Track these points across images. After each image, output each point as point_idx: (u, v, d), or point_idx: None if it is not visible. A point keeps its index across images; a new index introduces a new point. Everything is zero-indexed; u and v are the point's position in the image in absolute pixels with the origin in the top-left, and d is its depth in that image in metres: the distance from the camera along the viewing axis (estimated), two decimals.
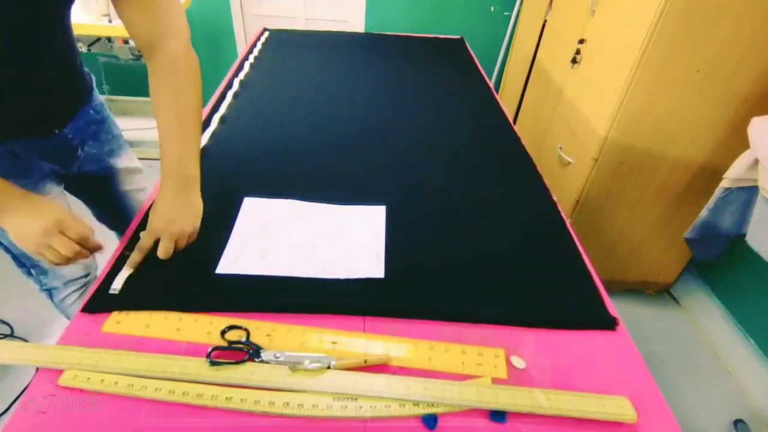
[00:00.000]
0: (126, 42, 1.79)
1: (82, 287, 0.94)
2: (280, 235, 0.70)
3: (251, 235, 0.70)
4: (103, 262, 0.66)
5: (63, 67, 0.73)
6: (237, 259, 0.65)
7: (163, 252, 0.61)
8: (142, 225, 0.69)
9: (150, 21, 0.67)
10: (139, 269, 0.62)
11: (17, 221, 0.59)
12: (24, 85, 0.67)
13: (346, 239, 0.70)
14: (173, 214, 0.63)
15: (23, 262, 0.87)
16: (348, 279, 0.63)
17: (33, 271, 0.89)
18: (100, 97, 0.86)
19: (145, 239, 0.63)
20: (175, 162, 0.66)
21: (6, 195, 0.59)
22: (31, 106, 0.68)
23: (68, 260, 0.59)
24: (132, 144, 1.01)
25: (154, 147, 2.15)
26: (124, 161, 0.93)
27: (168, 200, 0.64)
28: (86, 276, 0.95)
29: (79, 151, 0.83)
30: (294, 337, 0.55)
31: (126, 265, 0.62)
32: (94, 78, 0.88)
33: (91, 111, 0.83)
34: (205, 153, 0.87)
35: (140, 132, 2.13)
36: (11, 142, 0.71)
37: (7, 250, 0.84)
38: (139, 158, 1.01)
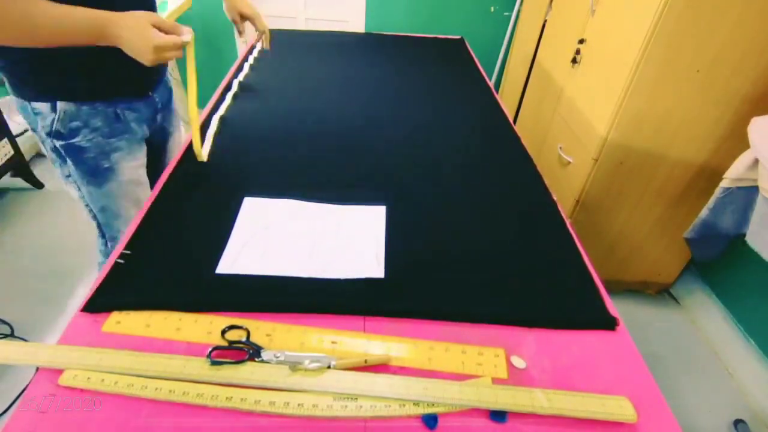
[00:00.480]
0: None
1: None
2: (280, 235, 0.70)
3: (251, 235, 0.70)
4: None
5: None
6: (237, 259, 0.65)
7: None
8: (142, 226, 0.69)
9: None
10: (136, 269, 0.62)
11: (124, 46, 0.66)
12: None
13: (346, 239, 0.70)
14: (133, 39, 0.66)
15: (104, 233, 0.96)
16: (348, 279, 0.63)
17: (110, 244, 0.98)
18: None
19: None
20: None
21: (103, 17, 0.65)
22: (136, 63, 0.72)
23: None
24: None
25: None
26: (176, 137, 1.03)
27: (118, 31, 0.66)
28: None
29: (159, 116, 0.94)
30: (294, 337, 0.55)
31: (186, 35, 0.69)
32: None
33: (168, 77, 0.94)
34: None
35: None
36: (115, 101, 0.82)
37: (95, 217, 0.94)
38: None
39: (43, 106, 0.77)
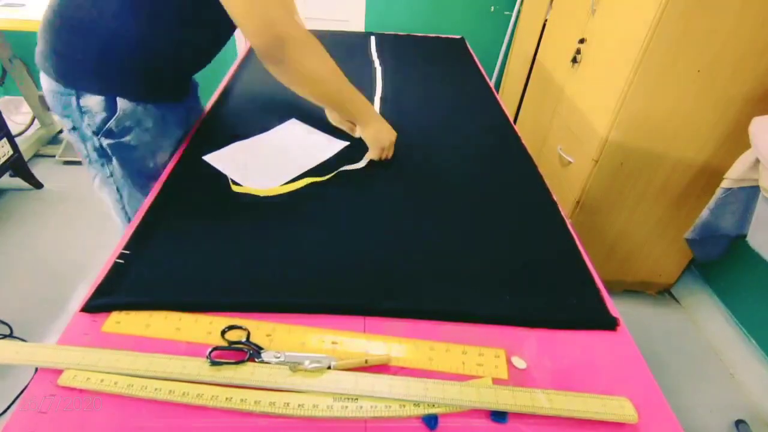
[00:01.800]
0: None
1: None
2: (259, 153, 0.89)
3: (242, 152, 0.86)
4: (103, 262, 0.66)
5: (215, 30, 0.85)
6: (223, 158, 0.83)
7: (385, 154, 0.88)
8: (142, 226, 0.69)
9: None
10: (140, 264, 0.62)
11: (380, 128, 0.89)
12: (191, 44, 0.81)
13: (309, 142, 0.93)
14: (381, 133, 0.88)
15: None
16: (347, 276, 0.63)
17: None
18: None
19: (374, 153, 0.88)
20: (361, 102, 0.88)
21: (368, 108, 0.89)
22: (187, 69, 0.80)
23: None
24: None
25: None
26: None
27: (374, 124, 0.88)
28: None
29: (191, 117, 0.96)
30: (294, 338, 0.55)
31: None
32: None
33: (196, 80, 0.96)
34: (205, 152, 0.87)
35: None
36: (162, 103, 0.84)
37: (129, 220, 0.93)
38: None
39: (94, 104, 0.77)
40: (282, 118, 1.02)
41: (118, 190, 0.89)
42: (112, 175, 0.87)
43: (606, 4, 1.33)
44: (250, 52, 1.39)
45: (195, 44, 0.82)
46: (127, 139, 0.82)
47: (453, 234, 0.73)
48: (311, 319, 0.58)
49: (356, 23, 2.25)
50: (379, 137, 0.87)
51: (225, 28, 0.82)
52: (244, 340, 0.53)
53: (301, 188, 0.80)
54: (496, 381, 0.52)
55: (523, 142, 1.01)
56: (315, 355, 0.51)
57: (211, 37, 0.84)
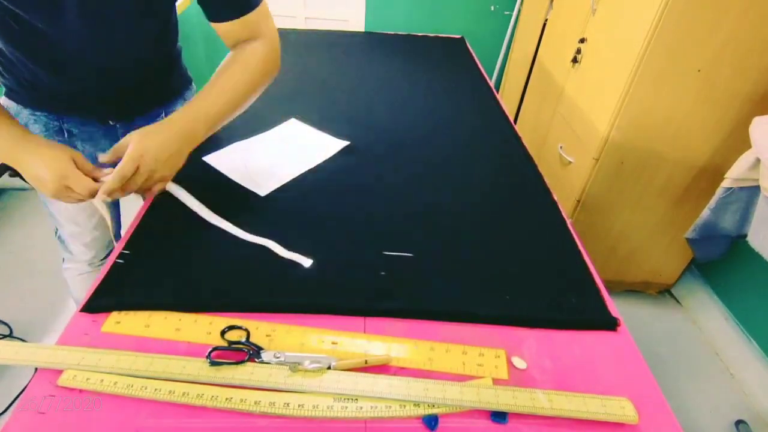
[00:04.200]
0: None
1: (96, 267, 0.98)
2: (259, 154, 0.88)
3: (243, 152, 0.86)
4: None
5: (160, 60, 0.78)
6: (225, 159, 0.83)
7: (131, 185, 0.60)
8: (141, 226, 0.69)
9: (244, 31, 0.73)
10: (134, 263, 0.62)
11: (30, 167, 0.59)
12: (117, 68, 0.72)
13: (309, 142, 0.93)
14: (163, 155, 0.62)
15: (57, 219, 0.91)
16: (347, 276, 0.63)
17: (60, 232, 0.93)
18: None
19: (127, 165, 0.59)
20: (194, 113, 0.67)
21: (18, 141, 0.59)
22: (91, 90, 0.70)
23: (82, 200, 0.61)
24: None
25: None
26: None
27: (167, 140, 0.63)
28: (103, 259, 0.97)
29: None
30: (294, 338, 0.55)
31: (100, 192, 0.59)
32: (193, 81, 0.92)
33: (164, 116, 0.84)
34: (205, 153, 0.87)
35: None
36: (66, 117, 0.76)
37: (45, 204, 0.88)
38: None
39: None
40: (282, 118, 1.02)
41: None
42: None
43: (606, 3, 1.33)
44: None
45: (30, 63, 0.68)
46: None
47: (453, 234, 0.73)
48: (311, 319, 0.57)
49: (356, 23, 2.24)
50: (35, 173, 0.60)
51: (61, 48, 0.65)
52: (243, 340, 0.53)
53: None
54: (497, 381, 0.51)
55: (524, 141, 1.01)
56: (315, 356, 0.51)
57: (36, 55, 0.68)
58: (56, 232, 0.95)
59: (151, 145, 0.61)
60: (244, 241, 0.68)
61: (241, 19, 0.70)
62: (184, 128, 0.65)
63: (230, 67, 0.72)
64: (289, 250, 0.66)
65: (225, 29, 0.72)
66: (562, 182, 1.54)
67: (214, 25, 0.72)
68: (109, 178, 0.59)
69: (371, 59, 1.42)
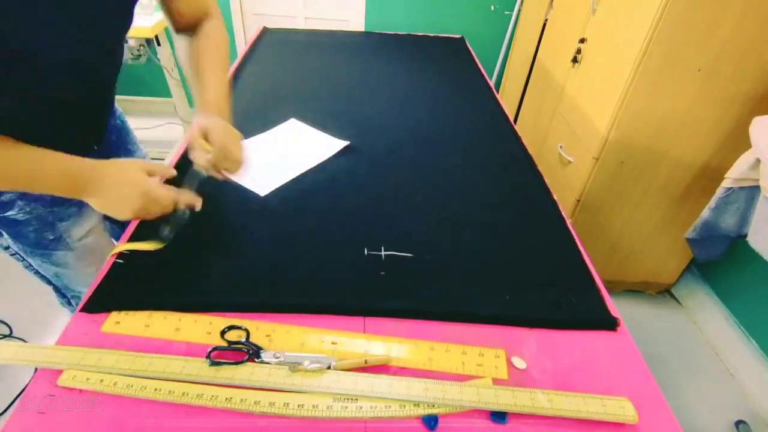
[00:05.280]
0: (125, 41, 1.79)
1: None
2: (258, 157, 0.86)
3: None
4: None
5: (109, 86, 0.75)
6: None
7: (217, 165, 0.65)
8: (140, 226, 0.69)
9: (194, 8, 0.75)
10: (133, 261, 0.62)
11: (106, 198, 0.57)
12: (84, 104, 0.68)
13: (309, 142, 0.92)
14: (227, 139, 0.65)
15: (64, 294, 0.89)
16: (347, 276, 0.63)
17: (73, 302, 0.90)
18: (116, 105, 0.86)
19: (219, 135, 0.64)
20: (220, 101, 0.70)
21: (84, 170, 0.57)
22: (72, 123, 0.68)
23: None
24: None
25: (155, 146, 2.16)
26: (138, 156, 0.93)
27: (223, 127, 0.66)
28: None
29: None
30: (294, 338, 0.55)
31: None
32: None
33: (117, 121, 0.85)
34: None
35: (140, 132, 2.13)
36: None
37: (50, 282, 0.85)
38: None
39: None
40: (282, 118, 1.02)
41: (23, 258, 0.79)
42: (8, 246, 0.77)
43: (606, 3, 1.33)
44: (250, 52, 1.39)
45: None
46: (11, 213, 0.69)
47: (453, 234, 0.73)
48: (311, 319, 0.57)
49: (356, 23, 2.24)
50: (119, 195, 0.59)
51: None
52: (243, 340, 0.53)
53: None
54: (496, 381, 0.51)
55: (524, 141, 1.01)
56: (315, 356, 0.51)
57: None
58: (60, 300, 0.92)
59: (224, 123, 0.67)
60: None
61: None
62: (226, 116, 0.70)
63: (214, 49, 0.75)
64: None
65: (179, 10, 0.74)
66: (562, 182, 1.54)
67: (165, 12, 0.74)
68: (210, 155, 0.64)
69: (371, 59, 1.42)
